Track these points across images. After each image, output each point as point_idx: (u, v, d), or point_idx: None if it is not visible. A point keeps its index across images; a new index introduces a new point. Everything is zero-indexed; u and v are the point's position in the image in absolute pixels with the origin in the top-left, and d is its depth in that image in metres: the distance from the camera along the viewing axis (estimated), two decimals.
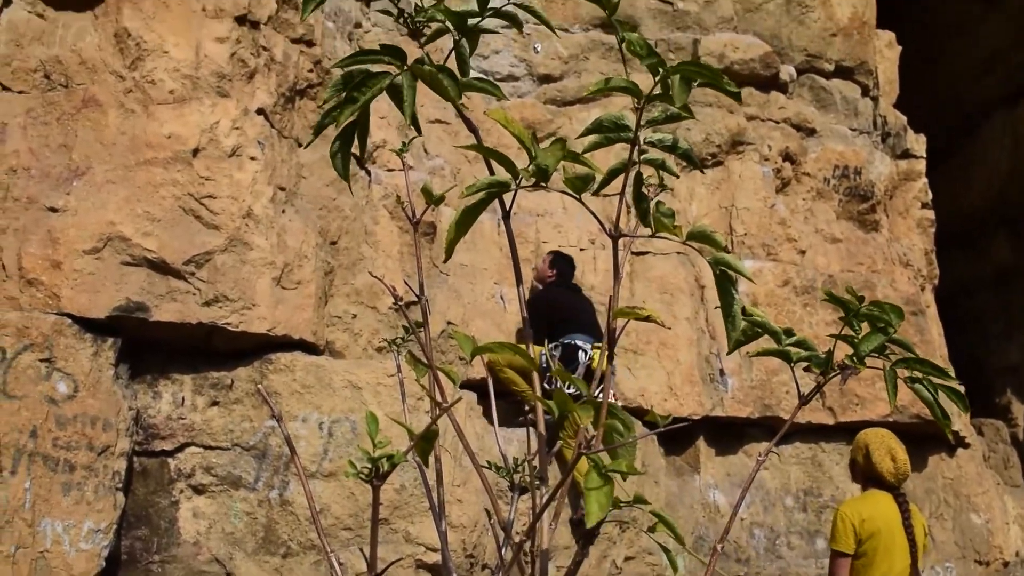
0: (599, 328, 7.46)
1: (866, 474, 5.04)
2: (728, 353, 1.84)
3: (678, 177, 1.95)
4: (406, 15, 1.77)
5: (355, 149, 1.92)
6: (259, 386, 2.63)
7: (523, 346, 2.00)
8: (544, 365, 7.01)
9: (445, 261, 2.06)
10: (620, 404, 7.88)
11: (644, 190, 1.87)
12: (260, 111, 6.39)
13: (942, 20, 14.53)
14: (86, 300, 5.76)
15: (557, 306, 7.42)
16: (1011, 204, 13.87)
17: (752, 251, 8.97)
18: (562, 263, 7.75)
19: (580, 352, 7.18)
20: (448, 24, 1.73)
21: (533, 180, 1.69)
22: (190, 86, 6.20)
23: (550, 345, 7.23)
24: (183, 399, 6.15)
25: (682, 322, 8.34)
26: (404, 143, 2.52)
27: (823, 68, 10.13)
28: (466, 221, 1.80)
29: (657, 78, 1.62)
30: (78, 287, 5.76)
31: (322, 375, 6.22)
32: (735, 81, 9.36)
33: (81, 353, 5.70)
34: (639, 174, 1.74)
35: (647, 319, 1.81)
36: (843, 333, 1.83)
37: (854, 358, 1.80)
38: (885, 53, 10.98)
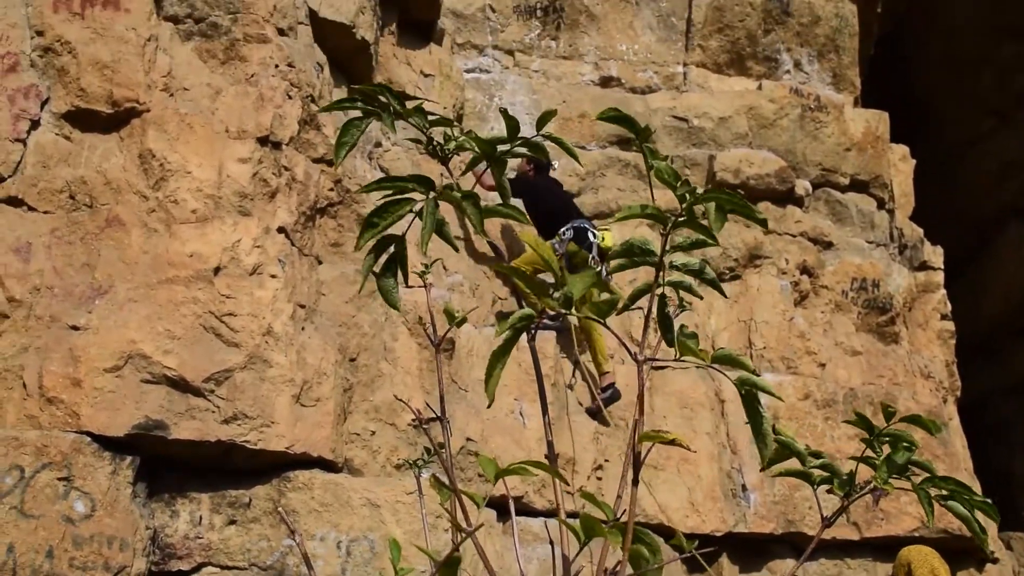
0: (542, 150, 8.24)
1: None
2: (762, 470, 1.82)
3: (701, 299, 1.96)
4: (435, 143, 1.79)
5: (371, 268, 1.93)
6: (279, 507, 2.61)
7: (549, 464, 1.98)
8: (559, 252, 7.91)
9: (489, 407, 2.07)
10: (641, 520, 7.84)
11: (667, 311, 1.87)
12: (281, 229, 6.46)
13: (955, 133, 14.69)
14: (105, 418, 5.75)
15: (544, 193, 8.26)
16: None
17: (772, 364, 8.94)
18: (537, 159, 8.40)
19: (589, 233, 8.03)
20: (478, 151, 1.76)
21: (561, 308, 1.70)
22: (212, 205, 6.28)
23: (561, 230, 8.03)
24: (200, 518, 6.09)
25: (703, 437, 8.27)
26: (426, 265, 2.53)
27: (838, 182, 10.22)
28: (500, 362, 1.81)
29: (684, 205, 1.63)
30: (98, 405, 5.75)
31: (340, 493, 6.16)
32: (751, 196, 9.45)
33: (99, 472, 5.68)
34: (664, 298, 1.74)
35: (672, 443, 1.80)
36: (865, 455, 1.81)
37: (880, 479, 1.78)
38: (899, 166, 11.07)
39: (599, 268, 7.83)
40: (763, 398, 1.91)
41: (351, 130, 1.84)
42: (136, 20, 6.45)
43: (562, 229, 8.08)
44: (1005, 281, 14.15)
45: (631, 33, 10.34)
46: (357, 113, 1.89)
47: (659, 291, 1.77)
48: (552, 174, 8.82)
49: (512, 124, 1.74)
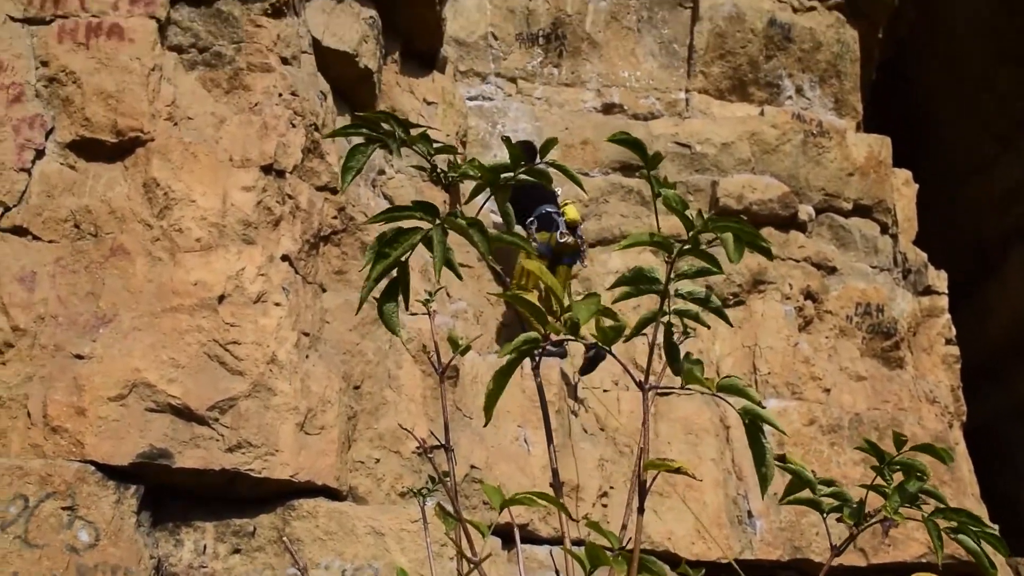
0: (556, 197, 8.60)
1: None
2: (782, 502, 1.81)
3: (708, 327, 1.96)
4: (439, 171, 1.80)
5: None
6: (283, 535, 2.60)
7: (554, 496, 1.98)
8: (536, 243, 8.18)
9: (485, 425, 2.06)
10: (647, 547, 7.83)
11: (674, 340, 1.87)
12: (285, 257, 6.47)
13: (958, 158, 14.71)
14: (110, 447, 5.74)
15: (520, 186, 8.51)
16: None
17: (776, 390, 8.91)
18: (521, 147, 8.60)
19: (553, 215, 8.33)
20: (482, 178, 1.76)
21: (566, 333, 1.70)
22: (216, 234, 6.29)
23: (528, 220, 8.30)
24: (205, 547, 6.07)
25: (708, 463, 8.25)
26: (430, 293, 2.53)
27: (841, 207, 10.22)
28: (502, 384, 1.81)
29: (691, 234, 1.64)
30: (102, 434, 5.75)
31: (345, 521, 6.14)
32: (754, 221, 9.46)
33: (104, 501, 5.67)
34: (670, 327, 1.75)
35: (678, 471, 1.79)
36: (875, 483, 1.80)
37: (891, 508, 1.78)
38: (902, 191, 11.08)
39: (574, 243, 8.30)
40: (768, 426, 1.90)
41: (357, 155, 1.84)
42: (140, 50, 6.48)
43: (528, 220, 8.27)
44: (1010, 305, 14.13)
45: (633, 60, 10.37)
46: (361, 140, 1.90)
47: (664, 319, 1.77)
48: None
49: (514, 152, 1.75)
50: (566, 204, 8.49)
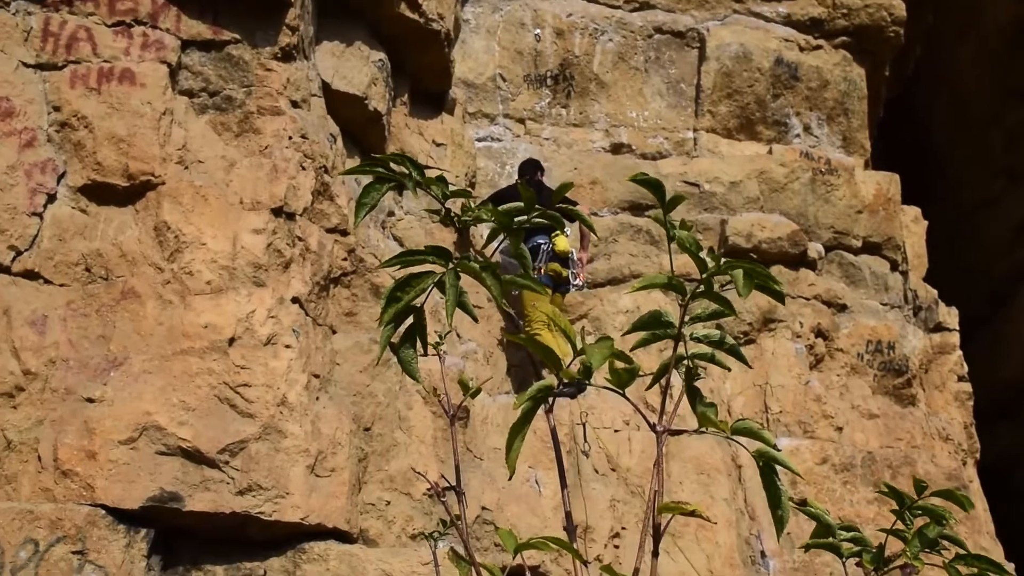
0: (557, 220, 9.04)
1: None
2: (804, 548, 1.80)
3: (729, 370, 1.96)
4: (453, 215, 1.80)
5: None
6: None
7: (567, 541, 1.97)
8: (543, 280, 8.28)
9: (509, 479, 2.06)
10: None
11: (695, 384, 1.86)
12: (295, 300, 6.48)
13: (967, 194, 14.71)
14: (120, 491, 5.73)
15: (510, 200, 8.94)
16: None
17: (788, 429, 8.87)
18: (522, 164, 9.14)
19: (542, 246, 8.51)
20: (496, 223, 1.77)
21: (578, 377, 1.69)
22: (227, 276, 6.30)
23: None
24: None
25: (720, 503, 8.19)
26: (440, 335, 2.53)
27: (851, 244, 10.22)
28: (520, 434, 1.80)
29: (704, 275, 1.64)
30: (112, 478, 5.73)
31: (355, 564, 6.11)
32: (764, 260, 9.45)
33: (114, 545, 5.64)
34: (689, 371, 1.74)
35: (692, 514, 1.78)
36: (895, 527, 1.79)
37: (911, 554, 1.76)
38: (912, 228, 11.08)
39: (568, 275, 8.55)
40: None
41: (371, 192, 1.85)
42: (151, 94, 6.53)
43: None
44: (1020, 342, 14.07)
45: (641, 100, 10.42)
46: (373, 179, 1.91)
47: (683, 363, 1.76)
48: (544, 178, 9.11)
49: (529, 195, 1.75)
50: (556, 235, 8.54)
